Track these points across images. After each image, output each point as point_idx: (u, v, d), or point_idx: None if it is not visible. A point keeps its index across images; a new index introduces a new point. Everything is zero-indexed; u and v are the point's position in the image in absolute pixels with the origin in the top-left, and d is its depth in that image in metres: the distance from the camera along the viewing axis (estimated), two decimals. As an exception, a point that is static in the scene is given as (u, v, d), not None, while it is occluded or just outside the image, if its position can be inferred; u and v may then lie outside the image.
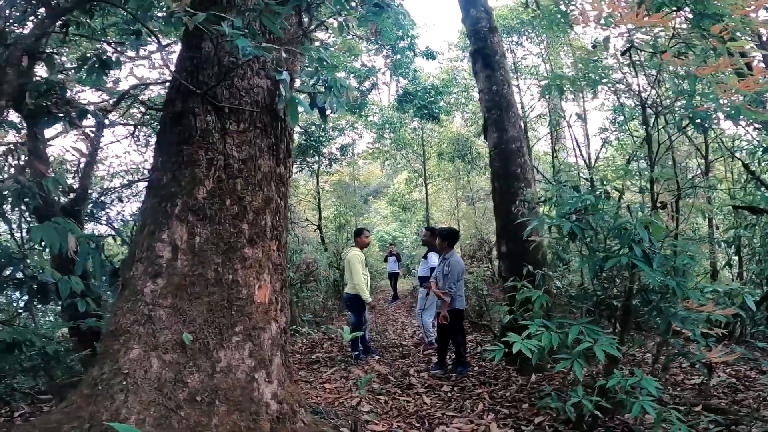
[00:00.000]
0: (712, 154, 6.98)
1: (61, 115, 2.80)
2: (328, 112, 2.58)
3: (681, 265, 2.81)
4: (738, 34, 3.01)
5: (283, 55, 1.94)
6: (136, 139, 7.46)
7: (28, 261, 3.39)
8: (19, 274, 3.42)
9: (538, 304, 3.17)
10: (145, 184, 7.66)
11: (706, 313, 2.85)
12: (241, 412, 2.39)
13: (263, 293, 2.59)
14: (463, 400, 4.20)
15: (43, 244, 2.86)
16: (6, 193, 3.19)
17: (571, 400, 2.87)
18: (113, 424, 1.19)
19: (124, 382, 2.24)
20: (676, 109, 2.90)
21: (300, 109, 2.18)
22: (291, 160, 2.99)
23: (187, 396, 2.31)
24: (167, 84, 6.60)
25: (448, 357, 5.41)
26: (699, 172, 7.67)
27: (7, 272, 3.45)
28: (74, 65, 4.85)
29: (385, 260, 13.59)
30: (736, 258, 6.06)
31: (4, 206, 3.20)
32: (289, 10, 2.08)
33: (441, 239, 5.37)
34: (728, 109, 2.65)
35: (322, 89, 2.47)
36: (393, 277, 13.33)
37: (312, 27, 2.86)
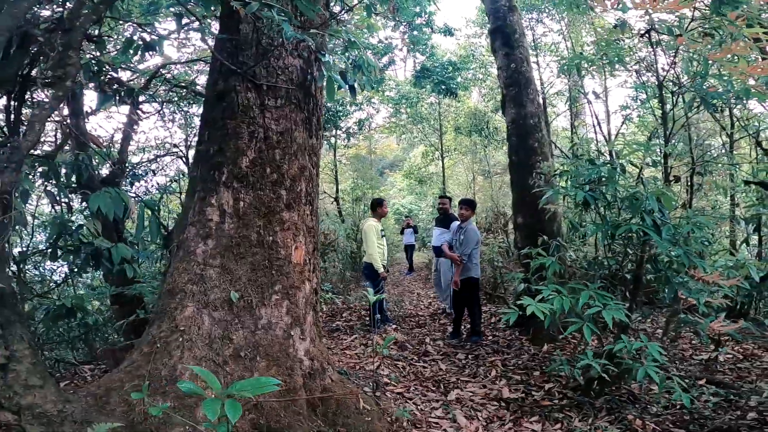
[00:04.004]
0: (737, 132, 6.88)
1: (110, 93, 3.02)
2: (358, 88, 2.75)
3: (686, 233, 2.93)
4: (762, 18, 3.01)
5: (327, 39, 2.09)
6: (162, 115, 7.70)
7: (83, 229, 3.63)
8: (75, 242, 3.64)
9: (552, 270, 3.35)
10: (171, 158, 7.94)
11: (713, 283, 2.99)
12: (278, 367, 2.53)
13: (299, 254, 2.80)
14: (477, 367, 4.39)
15: (98, 212, 3.09)
16: (60, 165, 3.44)
17: (581, 362, 3.07)
18: (193, 367, 1.42)
19: (180, 339, 2.37)
20: (691, 89, 2.99)
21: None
22: (321, 132, 3.17)
23: (232, 352, 2.45)
24: (190, 63, 6.77)
25: (463, 327, 5.61)
26: (723, 150, 7.57)
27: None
28: (116, 47, 5.04)
29: (402, 232, 13.79)
30: (756, 237, 6.06)
31: (61, 178, 3.42)
32: (323, -3, 2.23)
33: (468, 208, 5.53)
34: (738, 90, 2.73)
35: (351, 67, 2.63)
36: (409, 249, 13.53)
37: (342, 11, 2.99)
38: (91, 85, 3.19)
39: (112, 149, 5.87)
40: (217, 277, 2.56)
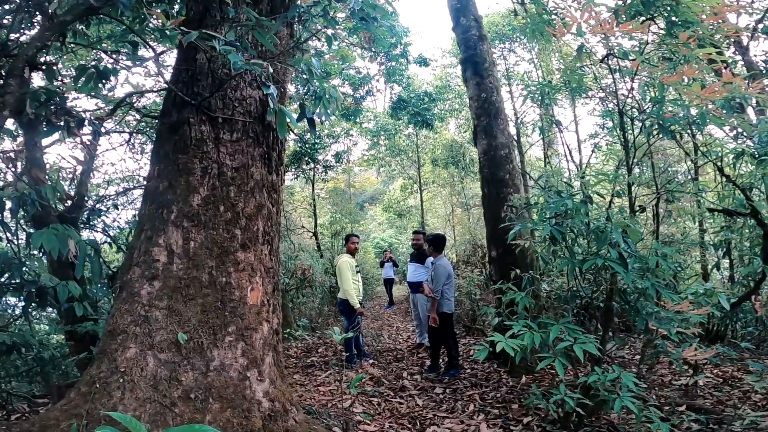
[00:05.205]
0: (701, 158, 7.06)
1: (61, 124, 2.89)
2: (318, 121, 2.69)
3: (653, 265, 2.91)
4: (715, 38, 3.11)
5: (270, 70, 2.04)
6: (131, 146, 7.53)
7: (27, 266, 3.45)
8: (19, 279, 3.48)
9: (522, 305, 3.27)
10: (141, 191, 7.72)
11: (684, 312, 2.96)
12: (233, 409, 2.46)
13: (255, 295, 2.67)
14: (455, 401, 4.27)
15: (42, 249, 2.94)
16: (4, 200, 3.26)
17: (554, 397, 2.96)
18: (112, 414, 1.28)
19: (121, 380, 2.32)
20: (651, 115, 3.03)
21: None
22: (283, 168, 3.09)
23: (181, 393, 2.38)
24: (162, 92, 6.69)
25: (441, 360, 5.50)
26: (690, 176, 7.78)
27: (4, 278, 3.50)
28: (71, 74, 4.95)
29: (381, 266, 13.67)
30: (727, 261, 6.15)
31: (4, 213, 3.25)
32: (278, 26, 2.19)
33: (428, 244, 5.51)
34: (695, 115, 2.77)
35: (311, 98, 2.58)
36: (389, 283, 13.40)
37: (303, 39, 2.97)
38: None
39: (74, 182, 5.66)
40: (163, 319, 2.44)
